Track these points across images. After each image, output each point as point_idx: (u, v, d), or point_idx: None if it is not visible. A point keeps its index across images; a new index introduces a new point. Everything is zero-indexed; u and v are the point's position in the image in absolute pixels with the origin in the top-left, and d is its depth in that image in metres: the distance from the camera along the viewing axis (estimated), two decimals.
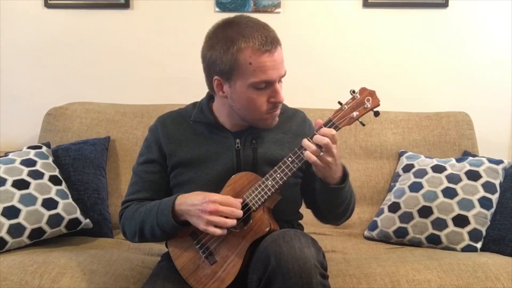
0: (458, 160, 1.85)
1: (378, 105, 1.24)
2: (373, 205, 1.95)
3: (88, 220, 1.77)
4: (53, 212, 1.68)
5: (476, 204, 1.71)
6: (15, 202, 1.64)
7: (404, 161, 1.94)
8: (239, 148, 1.34)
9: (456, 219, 1.69)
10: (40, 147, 1.87)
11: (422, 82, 2.26)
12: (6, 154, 1.83)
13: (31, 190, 1.69)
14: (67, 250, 1.60)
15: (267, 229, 1.20)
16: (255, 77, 1.22)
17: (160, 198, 1.32)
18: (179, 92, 2.20)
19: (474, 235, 1.68)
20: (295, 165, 1.21)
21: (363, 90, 1.24)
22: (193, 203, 1.21)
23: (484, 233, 1.70)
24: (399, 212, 1.78)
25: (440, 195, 1.74)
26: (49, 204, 1.69)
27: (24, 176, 1.72)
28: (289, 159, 1.22)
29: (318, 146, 1.17)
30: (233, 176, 1.29)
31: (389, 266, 1.47)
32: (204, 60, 1.29)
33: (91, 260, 1.48)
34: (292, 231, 1.17)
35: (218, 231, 1.18)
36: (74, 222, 1.72)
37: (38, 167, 1.77)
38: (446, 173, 1.79)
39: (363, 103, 1.23)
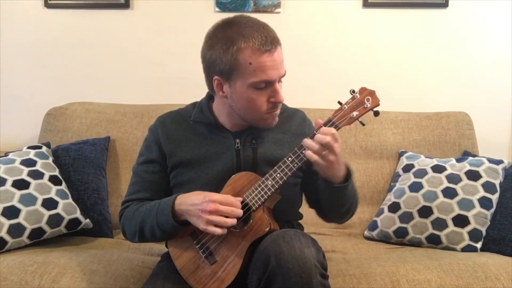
0: (458, 160, 1.85)
1: (378, 104, 1.24)
2: (373, 205, 1.95)
3: (88, 220, 1.77)
4: (53, 212, 1.68)
5: (476, 204, 1.71)
6: (15, 202, 1.64)
7: (404, 161, 1.94)
8: (239, 148, 1.34)
9: (456, 219, 1.69)
10: (40, 147, 1.87)
11: (422, 82, 2.26)
12: (6, 154, 1.83)
13: (31, 190, 1.69)
14: (67, 250, 1.60)
15: (267, 229, 1.20)
16: (255, 77, 1.22)
17: (160, 198, 1.32)
18: (179, 92, 2.20)
19: (474, 235, 1.68)
20: (295, 165, 1.21)
21: (363, 90, 1.24)
22: (193, 202, 1.21)
23: (484, 233, 1.70)
24: (399, 212, 1.78)
25: (440, 195, 1.74)
26: (49, 204, 1.69)
27: (24, 176, 1.72)
28: (289, 159, 1.22)
29: (320, 145, 1.17)
30: (233, 176, 1.29)
31: (389, 266, 1.47)
32: (204, 60, 1.29)
33: (91, 260, 1.48)
34: (292, 231, 1.17)
35: (218, 231, 1.18)
36: (74, 222, 1.72)
37: (38, 167, 1.77)
38: (446, 173, 1.79)
39: (363, 103, 1.23)
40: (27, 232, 1.62)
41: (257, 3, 2.22)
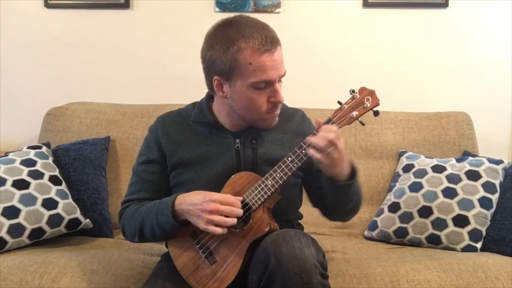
0: (458, 160, 1.85)
1: (378, 104, 1.24)
2: (373, 205, 1.95)
3: (88, 220, 1.77)
4: (53, 212, 1.68)
5: (476, 204, 1.71)
6: (15, 202, 1.64)
7: (404, 161, 1.94)
8: (239, 148, 1.34)
9: (456, 219, 1.69)
10: (40, 147, 1.87)
11: (422, 82, 2.26)
12: (6, 154, 1.83)
13: (31, 190, 1.69)
14: (67, 250, 1.60)
15: (267, 228, 1.20)
16: (255, 77, 1.22)
17: (160, 198, 1.32)
18: (179, 92, 2.20)
19: (474, 235, 1.68)
20: (295, 165, 1.21)
21: (362, 90, 1.24)
22: (193, 202, 1.21)
23: (484, 233, 1.70)
24: (399, 212, 1.78)
25: (440, 195, 1.74)
26: (49, 204, 1.69)
27: (24, 176, 1.72)
28: (289, 158, 1.22)
29: (324, 142, 1.16)
30: (233, 176, 1.29)
31: (389, 266, 1.47)
32: (204, 60, 1.29)
33: (91, 260, 1.48)
34: (292, 231, 1.17)
35: (218, 230, 1.18)
36: (74, 222, 1.72)
37: (38, 167, 1.77)
38: (446, 173, 1.79)
39: (362, 103, 1.23)
40: (27, 232, 1.62)
41: (257, 3, 2.22)
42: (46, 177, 1.75)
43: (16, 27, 2.28)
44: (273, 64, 1.22)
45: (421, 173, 1.83)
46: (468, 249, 1.67)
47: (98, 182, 1.88)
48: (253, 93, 1.24)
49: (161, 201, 1.29)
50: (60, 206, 1.71)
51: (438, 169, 1.81)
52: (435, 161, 1.86)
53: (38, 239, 1.65)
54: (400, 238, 1.77)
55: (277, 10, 2.22)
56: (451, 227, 1.69)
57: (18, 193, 1.67)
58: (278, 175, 1.22)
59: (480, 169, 1.77)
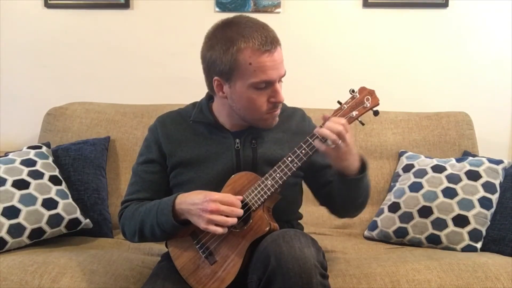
0: (458, 160, 1.85)
1: (378, 104, 1.24)
2: (373, 205, 1.95)
3: (88, 220, 1.77)
4: (53, 212, 1.68)
5: (476, 204, 1.71)
6: (15, 202, 1.64)
7: (404, 161, 1.94)
8: (238, 148, 1.34)
9: (456, 219, 1.69)
10: (40, 147, 1.87)
11: (422, 82, 2.26)
12: (6, 154, 1.83)
13: (31, 190, 1.69)
14: (67, 250, 1.60)
15: (267, 228, 1.20)
16: (255, 77, 1.22)
17: (160, 198, 1.32)
18: (179, 92, 2.20)
19: (474, 235, 1.68)
20: (295, 165, 1.21)
21: (362, 90, 1.24)
22: (194, 202, 1.21)
23: (484, 233, 1.70)
24: (399, 212, 1.78)
25: (440, 195, 1.74)
26: (49, 204, 1.69)
27: (24, 176, 1.72)
28: (289, 158, 1.22)
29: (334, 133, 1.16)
30: (232, 176, 1.29)
31: (389, 266, 1.47)
32: (204, 61, 1.29)
33: (91, 260, 1.48)
34: (292, 231, 1.17)
35: (219, 230, 1.18)
36: (74, 222, 1.72)
37: (38, 167, 1.77)
38: (446, 173, 1.79)
39: (362, 103, 1.23)
40: (27, 232, 1.62)
41: (257, 3, 2.22)
42: (46, 177, 1.75)
43: (16, 27, 2.28)
44: (273, 64, 1.22)
45: (421, 173, 1.83)
46: (468, 249, 1.67)
47: (98, 182, 1.88)
48: (253, 93, 1.24)
49: (161, 201, 1.29)
50: (60, 206, 1.71)
51: (438, 169, 1.81)
52: (435, 161, 1.86)
53: (38, 239, 1.65)
54: (400, 238, 1.77)
55: (277, 10, 2.22)
56: (451, 227, 1.69)
57: (18, 193, 1.67)
58: (278, 175, 1.22)
59: (480, 169, 1.77)
